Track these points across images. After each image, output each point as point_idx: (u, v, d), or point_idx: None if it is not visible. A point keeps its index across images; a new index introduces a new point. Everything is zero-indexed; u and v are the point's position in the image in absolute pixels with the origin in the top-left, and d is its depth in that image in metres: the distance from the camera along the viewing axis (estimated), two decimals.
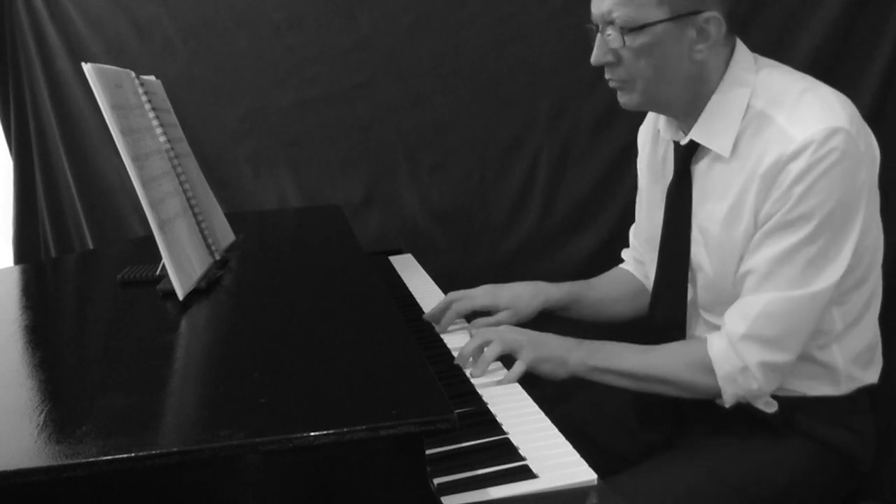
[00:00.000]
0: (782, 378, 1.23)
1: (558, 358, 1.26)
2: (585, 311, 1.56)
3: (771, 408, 1.27)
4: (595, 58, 1.24)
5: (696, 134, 1.27)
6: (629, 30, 1.18)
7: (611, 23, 1.19)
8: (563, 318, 1.56)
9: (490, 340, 1.28)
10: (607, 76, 1.26)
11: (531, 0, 2.13)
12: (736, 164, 1.23)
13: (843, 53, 2.00)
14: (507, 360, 1.29)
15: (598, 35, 1.23)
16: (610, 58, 1.23)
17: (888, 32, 1.98)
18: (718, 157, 1.25)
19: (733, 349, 1.21)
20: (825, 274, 1.17)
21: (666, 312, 1.38)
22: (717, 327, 1.28)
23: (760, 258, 1.20)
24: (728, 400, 1.23)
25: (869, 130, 1.22)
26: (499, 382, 1.23)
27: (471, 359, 1.29)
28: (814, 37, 2.00)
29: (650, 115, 1.49)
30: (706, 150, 1.27)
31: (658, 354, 1.29)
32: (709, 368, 1.23)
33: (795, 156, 1.14)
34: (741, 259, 1.24)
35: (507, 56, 2.17)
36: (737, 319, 1.22)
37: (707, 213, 1.28)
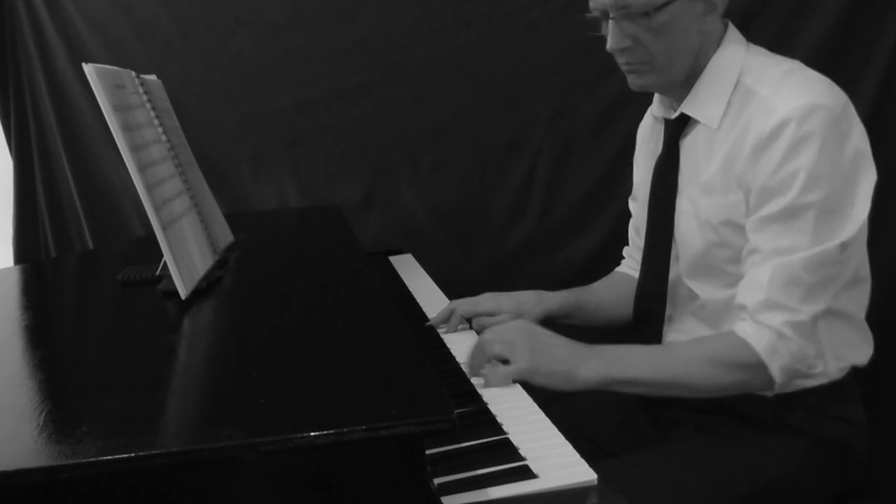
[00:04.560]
0: (812, 333, 1.20)
1: (564, 372, 1.20)
2: (586, 317, 1.57)
3: (835, 364, 1.26)
4: (612, 44, 1.26)
5: (687, 107, 1.31)
6: (651, 10, 1.21)
7: (624, 7, 1.22)
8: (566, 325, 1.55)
9: (493, 342, 1.24)
10: (623, 60, 1.28)
11: (531, 0, 2.13)
12: (722, 134, 1.27)
13: (843, 53, 2.00)
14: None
15: (611, 22, 1.25)
16: (628, 42, 1.25)
17: (888, 32, 1.98)
18: (706, 130, 1.29)
19: (756, 321, 1.19)
20: (835, 232, 1.17)
21: (649, 283, 1.39)
22: (697, 297, 1.32)
23: (763, 236, 1.20)
24: (777, 375, 1.19)
25: (854, 112, 1.22)
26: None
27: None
28: (814, 37, 2.00)
29: (649, 111, 1.50)
30: (695, 124, 1.31)
31: (682, 359, 1.23)
32: (740, 363, 1.19)
33: (778, 129, 1.17)
34: (728, 224, 1.25)
35: (507, 56, 2.17)
36: (751, 293, 1.20)
37: (694, 182, 1.31)
